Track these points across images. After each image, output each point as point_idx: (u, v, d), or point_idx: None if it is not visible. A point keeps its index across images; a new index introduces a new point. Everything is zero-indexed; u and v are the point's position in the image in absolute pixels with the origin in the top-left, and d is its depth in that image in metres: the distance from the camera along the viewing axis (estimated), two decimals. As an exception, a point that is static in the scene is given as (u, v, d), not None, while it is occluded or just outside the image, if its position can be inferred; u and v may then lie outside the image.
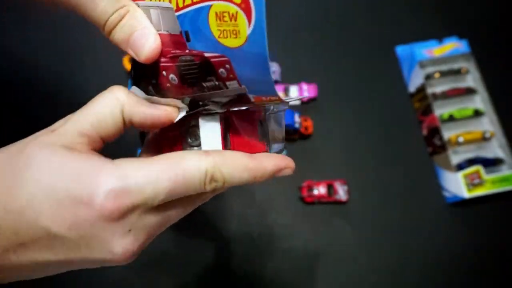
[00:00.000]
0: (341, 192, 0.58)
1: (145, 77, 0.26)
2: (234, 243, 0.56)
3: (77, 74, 0.63)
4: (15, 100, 0.62)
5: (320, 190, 0.58)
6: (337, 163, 0.61)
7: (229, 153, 0.24)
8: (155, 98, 0.26)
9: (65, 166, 0.22)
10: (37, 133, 0.24)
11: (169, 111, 0.25)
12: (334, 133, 0.63)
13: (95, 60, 0.64)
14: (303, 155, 0.61)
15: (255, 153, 0.25)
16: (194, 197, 0.25)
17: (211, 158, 0.23)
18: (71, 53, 0.64)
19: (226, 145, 0.25)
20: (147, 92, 0.26)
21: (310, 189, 0.58)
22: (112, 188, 0.21)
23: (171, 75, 0.25)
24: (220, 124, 0.25)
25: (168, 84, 0.25)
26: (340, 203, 0.59)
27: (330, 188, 0.58)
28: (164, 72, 0.25)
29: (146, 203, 0.22)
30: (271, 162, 0.26)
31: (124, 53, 0.63)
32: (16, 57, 0.64)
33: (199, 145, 0.26)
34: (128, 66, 0.63)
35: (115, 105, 0.24)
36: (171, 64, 0.24)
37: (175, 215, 0.25)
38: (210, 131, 0.25)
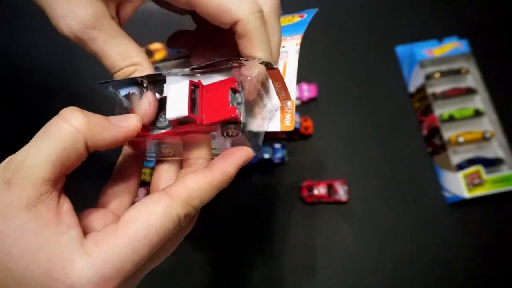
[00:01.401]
0: (341, 192, 0.58)
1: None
2: (234, 244, 0.56)
3: (77, 72, 0.63)
4: (15, 99, 0.62)
5: (320, 190, 0.58)
6: (337, 163, 0.61)
7: (190, 181, 0.24)
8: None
9: (36, 253, 0.19)
10: None
11: (131, 126, 0.24)
12: (334, 133, 0.63)
13: (95, 60, 0.64)
14: (303, 155, 0.61)
15: (226, 117, 0.24)
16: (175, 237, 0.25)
17: (177, 201, 0.23)
18: (71, 51, 0.64)
19: (193, 110, 0.25)
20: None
21: (310, 189, 0.58)
22: (90, 283, 0.19)
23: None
24: (188, 88, 0.25)
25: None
26: (340, 203, 0.59)
27: (330, 188, 0.58)
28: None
29: (127, 276, 0.21)
30: (231, 165, 0.25)
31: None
32: (16, 55, 0.64)
33: (167, 126, 0.26)
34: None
35: (76, 138, 0.22)
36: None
37: (162, 258, 0.25)
38: (177, 97, 0.25)
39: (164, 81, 0.26)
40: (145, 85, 0.26)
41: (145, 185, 0.56)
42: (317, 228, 0.57)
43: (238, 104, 0.25)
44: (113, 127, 0.23)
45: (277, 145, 0.60)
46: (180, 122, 0.25)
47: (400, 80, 0.67)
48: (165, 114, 0.25)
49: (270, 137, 0.61)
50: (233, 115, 0.24)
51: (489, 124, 0.62)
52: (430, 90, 0.63)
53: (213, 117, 0.25)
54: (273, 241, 0.56)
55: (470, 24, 0.70)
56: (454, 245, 0.58)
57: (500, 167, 0.60)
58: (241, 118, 0.25)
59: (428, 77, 0.64)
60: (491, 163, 0.60)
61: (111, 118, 0.24)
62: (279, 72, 0.26)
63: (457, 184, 0.57)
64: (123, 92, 0.26)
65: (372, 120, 0.64)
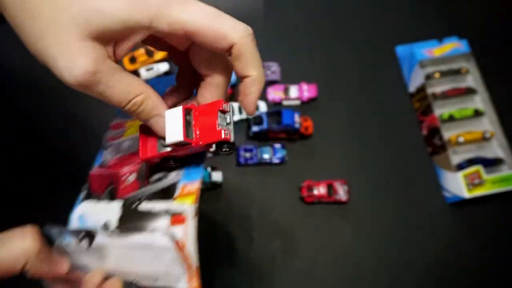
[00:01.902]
0: (341, 192, 0.58)
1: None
2: (234, 243, 0.56)
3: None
4: (15, 100, 0.62)
5: (320, 190, 0.58)
6: (337, 163, 0.61)
7: None
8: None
9: None
10: None
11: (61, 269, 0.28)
12: (334, 133, 0.63)
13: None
14: (303, 155, 0.61)
15: (215, 139, 0.27)
16: None
17: None
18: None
19: (188, 133, 0.27)
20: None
21: (310, 189, 0.58)
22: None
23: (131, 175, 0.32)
24: (182, 114, 0.27)
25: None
26: (340, 203, 0.59)
27: (330, 188, 0.58)
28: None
29: None
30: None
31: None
32: (15, 56, 0.64)
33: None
34: (128, 65, 0.63)
35: (20, 256, 0.25)
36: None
37: None
38: (173, 123, 0.27)
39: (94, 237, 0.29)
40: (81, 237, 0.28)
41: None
42: (317, 228, 0.57)
43: (228, 124, 0.28)
44: (49, 265, 0.27)
45: (277, 145, 0.60)
46: (178, 144, 0.27)
47: (400, 80, 0.67)
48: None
49: (270, 137, 0.61)
50: (220, 138, 0.27)
51: (489, 124, 0.62)
52: (430, 90, 0.63)
53: (206, 139, 0.27)
54: (273, 241, 0.56)
55: (470, 24, 0.70)
56: (454, 245, 0.58)
57: (500, 167, 0.60)
58: (231, 138, 0.27)
59: (428, 77, 0.64)
60: (491, 163, 0.60)
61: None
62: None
63: (457, 184, 0.57)
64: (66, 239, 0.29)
65: (372, 120, 0.64)
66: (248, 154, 0.59)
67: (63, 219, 0.32)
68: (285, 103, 0.64)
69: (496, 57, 0.67)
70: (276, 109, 0.62)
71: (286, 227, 0.57)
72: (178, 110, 0.27)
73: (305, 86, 0.64)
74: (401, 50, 0.68)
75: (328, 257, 0.56)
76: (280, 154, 0.60)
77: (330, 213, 0.58)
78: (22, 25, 0.26)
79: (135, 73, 0.63)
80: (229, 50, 0.27)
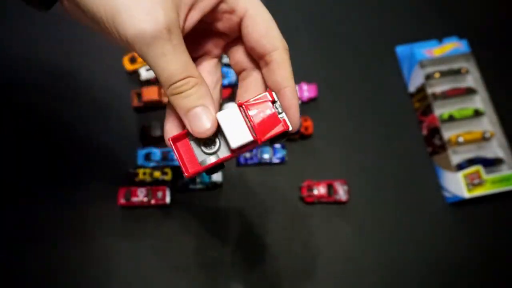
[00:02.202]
0: (341, 192, 0.58)
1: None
2: (233, 244, 0.56)
3: (76, 73, 0.63)
4: (15, 100, 0.62)
5: (320, 190, 0.58)
6: (337, 163, 0.61)
7: None
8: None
9: None
10: None
11: None
12: (334, 133, 0.63)
13: (95, 59, 0.64)
14: (303, 155, 0.61)
15: (281, 130, 0.26)
16: None
17: None
18: (71, 52, 0.64)
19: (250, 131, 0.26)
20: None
21: (310, 189, 0.58)
22: None
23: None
24: (241, 112, 0.26)
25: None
26: (340, 203, 0.59)
27: (330, 188, 0.58)
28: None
29: None
30: None
31: (124, 52, 0.63)
32: (15, 55, 0.64)
33: (218, 149, 0.27)
34: (128, 65, 0.63)
35: None
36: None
37: None
38: (233, 124, 0.26)
39: None
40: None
41: (145, 185, 0.56)
42: (317, 228, 0.57)
43: (280, 114, 0.27)
44: None
45: (277, 145, 0.60)
46: (244, 146, 0.26)
47: (400, 80, 0.67)
48: (214, 143, 0.27)
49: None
50: (287, 128, 0.26)
51: (489, 124, 0.62)
52: (430, 90, 0.63)
53: (267, 134, 0.26)
54: (273, 241, 0.56)
55: (470, 24, 0.70)
56: (454, 245, 0.58)
57: (500, 167, 0.60)
58: (289, 125, 0.27)
59: (428, 77, 0.64)
60: (491, 163, 0.60)
61: None
62: None
63: (457, 184, 0.57)
64: None
65: (372, 120, 0.64)
66: (248, 154, 0.59)
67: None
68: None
69: (496, 57, 0.67)
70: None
71: (286, 227, 0.57)
72: (234, 109, 0.26)
73: (305, 86, 0.64)
74: (401, 50, 0.68)
75: (328, 257, 0.56)
76: (280, 154, 0.60)
77: (330, 213, 0.58)
78: None
79: (135, 73, 0.63)
80: (269, 54, 0.28)
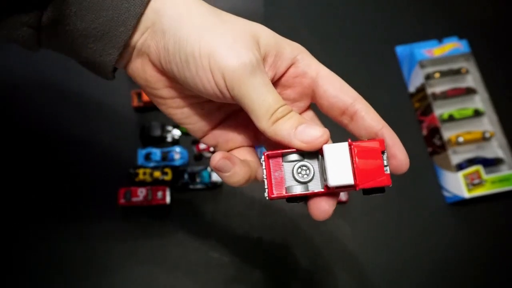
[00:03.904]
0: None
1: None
2: (234, 244, 0.56)
3: (76, 73, 0.63)
4: (15, 100, 0.62)
5: (320, 190, 0.58)
6: (337, 163, 0.61)
7: None
8: None
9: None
10: None
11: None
12: (334, 133, 0.63)
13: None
14: (303, 155, 0.61)
15: (382, 184, 0.25)
16: None
17: None
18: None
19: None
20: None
21: (310, 189, 0.58)
22: None
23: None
24: (350, 152, 0.25)
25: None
26: (340, 203, 0.59)
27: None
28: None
29: None
30: None
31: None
32: (15, 56, 0.64)
33: (310, 181, 0.27)
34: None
35: None
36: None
37: None
38: (337, 161, 0.25)
39: None
40: None
41: (145, 185, 0.56)
42: (317, 228, 0.57)
43: (385, 166, 0.25)
44: None
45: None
46: (341, 187, 0.25)
47: (400, 80, 0.67)
48: (309, 171, 0.27)
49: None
50: (390, 184, 0.25)
51: (489, 124, 0.62)
52: (430, 90, 0.63)
53: (368, 182, 0.25)
54: (273, 241, 0.56)
55: (470, 24, 0.70)
56: (454, 245, 0.58)
57: (500, 167, 0.60)
58: (391, 182, 0.25)
59: (428, 77, 0.64)
60: (491, 163, 0.60)
61: None
62: None
63: (457, 184, 0.57)
64: None
65: (372, 120, 0.64)
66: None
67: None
68: (285, 103, 0.64)
69: (496, 57, 0.67)
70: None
71: (286, 227, 0.57)
72: (344, 147, 0.25)
73: (305, 86, 0.64)
74: (401, 50, 0.68)
75: (328, 257, 0.56)
76: (280, 154, 0.60)
77: (330, 213, 0.58)
78: (191, 30, 0.26)
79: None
80: (345, 110, 0.29)
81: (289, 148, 0.26)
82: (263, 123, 0.26)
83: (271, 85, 0.27)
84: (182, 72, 0.27)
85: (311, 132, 0.26)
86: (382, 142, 0.25)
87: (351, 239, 0.57)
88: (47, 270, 0.53)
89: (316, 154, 0.27)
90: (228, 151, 0.32)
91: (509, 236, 0.59)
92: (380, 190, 0.25)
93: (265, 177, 0.26)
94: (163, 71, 0.29)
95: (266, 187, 0.26)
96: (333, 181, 0.24)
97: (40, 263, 0.54)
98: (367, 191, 0.26)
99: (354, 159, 0.25)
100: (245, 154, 0.32)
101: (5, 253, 0.54)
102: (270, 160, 0.27)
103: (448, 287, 0.56)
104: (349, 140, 0.26)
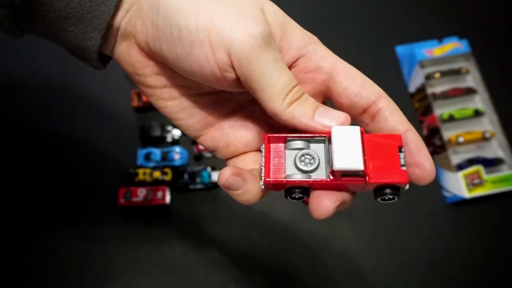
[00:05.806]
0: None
1: None
2: (234, 244, 0.56)
3: (77, 74, 0.63)
4: (15, 100, 0.62)
5: (320, 190, 0.58)
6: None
7: None
8: None
9: None
10: None
11: None
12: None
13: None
14: (303, 155, 0.61)
15: (397, 181, 0.22)
16: None
17: None
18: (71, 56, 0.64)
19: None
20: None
21: (310, 189, 0.58)
22: None
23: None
24: (361, 137, 0.22)
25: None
26: (340, 203, 0.58)
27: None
28: None
29: None
30: None
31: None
32: (16, 56, 0.64)
33: (313, 170, 0.24)
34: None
35: None
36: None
37: None
38: (346, 144, 0.22)
39: None
40: None
41: (145, 185, 0.56)
42: (317, 228, 0.57)
43: (402, 166, 0.22)
44: None
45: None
46: (344, 174, 0.22)
47: (400, 80, 0.67)
48: (314, 160, 0.23)
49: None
50: (406, 181, 0.22)
51: (489, 124, 0.62)
52: (430, 90, 0.63)
53: (380, 177, 0.22)
54: (273, 241, 0.56)
55: (470, 24, 0.70)
56: (454, 245, 0.58)
57: (500, 167, 0.60)
58: (408, 180, 0.22)
59: (428, 77, 0.64)
60: (491, 163, 0.60)
61: None
62: None
63: (457, 184, 0.57)
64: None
65: (372, 120, 0.64)
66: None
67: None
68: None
69: (496, 57, 0.67)
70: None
71: (286, 227, 0.57)
72: (355, 130, 0.22)
73: (305, 86, 0.64)
74: (401, 50, 0.68)
75: (328, 257, 0.56)
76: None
77: (330, 213, 0.58)
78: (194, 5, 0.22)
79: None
80: (367, 108, 0.25)
81: (303, 133, 0.23)
82: (277, 104, 0.23)
83: (283, 62, 0.23)
84: (173, 50, 0.23)
85: (335, 115, 0.23)
86: (399, 137, 0.23)
87: (351, 239, 0.57)
88: (46, 269, 0.53)
89: (323, 142, 0.24)
90: (231, 157, 0.29)
91: (509, 236, 0.59)
92: (394, 192, 0.23)
93: (263, 164, 0.23)
94: (151, 54, 0.25)
95: (262, 174, 0.23)
96: (339, 164, 0.21)
97: (40, 262, 0.54)
98: (378, 192, 0.23)
99: (367, 149, 0.22)
100: (251, 161, 0.28)
101: (5, 253, 0.54)
102: (271, 145, 0.24)
103: (448, 286, 0.56)
104: (361, 129, 0.23)
